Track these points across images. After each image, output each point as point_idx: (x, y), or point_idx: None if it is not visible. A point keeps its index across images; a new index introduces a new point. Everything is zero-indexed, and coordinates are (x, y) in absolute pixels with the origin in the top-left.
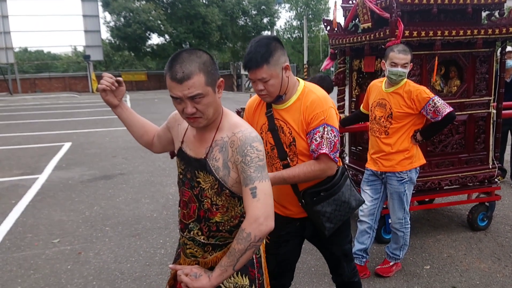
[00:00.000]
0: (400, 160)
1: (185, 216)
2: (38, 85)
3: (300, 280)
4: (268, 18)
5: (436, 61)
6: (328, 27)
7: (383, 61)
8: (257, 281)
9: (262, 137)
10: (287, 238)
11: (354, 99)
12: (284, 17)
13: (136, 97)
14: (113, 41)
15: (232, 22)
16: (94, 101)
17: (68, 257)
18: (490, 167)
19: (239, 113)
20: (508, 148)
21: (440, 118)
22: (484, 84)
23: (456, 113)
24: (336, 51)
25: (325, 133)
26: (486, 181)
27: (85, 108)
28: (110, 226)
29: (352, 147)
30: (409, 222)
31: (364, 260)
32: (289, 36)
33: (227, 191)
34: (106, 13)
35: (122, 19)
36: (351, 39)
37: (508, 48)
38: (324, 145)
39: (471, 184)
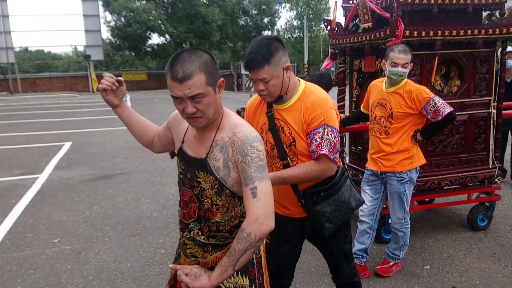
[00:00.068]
0: (400, 160)
1: (185, 216)
2: (38, 85)
3: (300, 280)
4: (269, 18)
5: (436, 61)
6: (329, 27)
7: (383, 61)
8: (257, 281)
9: (262, 136)
10: (287, 238)
11: (354, 99)
12: (285, 17)
13: (137, 96)
14: (113, 41)
15: (232, 22)
16: (95, 100)
17: (68, 256)
18: (490, 167)
19: (239, 112)
20: (508, 148)
21: (440, 118)
22: (485, 84)
23: (456, 113)
24: (337, 51)
25: (325, 133)
26: (486, 181)
27: (86, 107)
28: (110, 225)
29: (352, 147)
30: (409, 222)
31: (364, 260)
32: (289, 36)
33: (228, 191)
34: (107, 13)
35: (122, 19)
36: (351, 39)
37: (509, 48)
38: (324, 146)
39: (471, 184)
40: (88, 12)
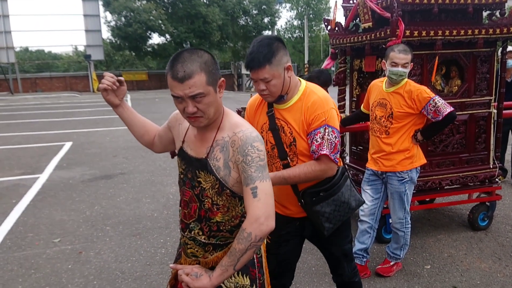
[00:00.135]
0: (400, 160)
1: (186, 216)
2: (39, 85)
3: (301, 280)
4: (269, 17)
5: (437, 60)
6: (329, 27)
7: (383, 61)
8: (258, 281)
9: (262, 136)
10: (287, 238)
11: (355, 99)
12: (285, 16)
13: (137, 96)
14: (114, 41)
15: (233, 22)
16: (95, 100)
17: (68, 256)
18: (491, 166)
19: (240, 112)
20: (509, 147)
21: (440, 118)
22: (485, 84)
23: (456, 113)
24: (337, 50)
25: (326, 134)
26: (487, 180)
27: (86, 107)
28: (111, 225)
29: (353, 147)
30: (410, 222)
31: (365, 260)
32: (290, 35)
33: (228, 191)
34: (107, 13)
35: (123, 19)
36: (351, 38)
37: (509, 48)
38: (325, 146)
39: (471, 184)
40: (89, 12)
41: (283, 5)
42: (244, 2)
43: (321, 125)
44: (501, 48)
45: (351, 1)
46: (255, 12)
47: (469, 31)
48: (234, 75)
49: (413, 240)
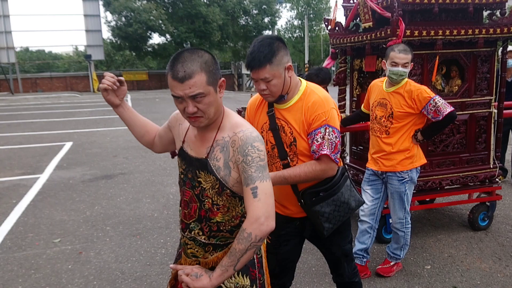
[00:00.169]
0: (401, 159)
1: (186, 216)
2: (39, 85)
3: (301, 280)
4: (269, 17)
5: (437, 60)
6: (329, 27)
7: (383, 60)
8: (258, 281)
9: (262, 136)
10: (287, 238)
11: (355, 99)
12: (285, 16)
13: (137, 96)
14: (114, 41)
15: (233, 22)
16: (95, 100)
17: (69, 256)
18: (491, 166)
19: (240, 112)
20: (509, 147)
21: (441, 118)
22: (485, 84)
23: (457, 113)
24: (337, 50)
25: (327, 134)
26: (487, 180)
27: (86, 107)
28: (111, 225)
29: (353, 147)
30: (410, 222)
31: (365, 260)
32: (290, 35)
33: (228, 191)
34: (107, 13)
35: (123, 19)
36: (352, 38)
37: (509, 48)
38: (326, 146)
39: (472, 183)
40: (89, 12)
41: (283, 5)
42: (245, 2)
43: (321, 125)
44: (501, 48)
45: (351, 1)
46: (255, 12)
47: (470, 31)
48: (234, 75)
49: (413, 240)
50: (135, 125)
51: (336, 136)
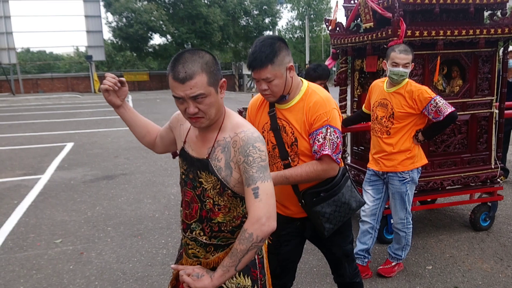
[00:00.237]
0: (402, 160)
1: (187, 216)
2: (40, 86)
3: (302, 280)
4: (270, 18)
5: (438, 61)
6: (330, 27)
7: (384, 61)
8: (259, 282)
9: (264, 136)
10: (288, 238)
11: (356, 99)
12: (286, 17)
13: (138, 97)
14: (115, 42)
15: (234, 22)
16: (96, 101)
17: (70, 257)
18: (493, 167)
19: (241, 113)
20: (510, 148)
21: (441, 118)
22: (487, 84)
23: (458, 113)
24: (338, 51)
25: (328, 134)
26: (489, 181)
27: (87, 108)
28: (112, 226)
29: (354, 147)
30: (411, 222)
31: (366, 260)
32: (291, 36)
33: (229, 191)
34: (108, 14)
35: (124, 20)
36: (353, 38)
37: (510, 48)
38: (327, 146)
39: (473, 184)
40: (90, 13)
41: (284, 5)
42: (245, 2)
43: (323, 125)
44: (502, 48)
45: (352, 1)
46: (256, 12)
47: (471, 31)
48: (235, 75)
49: (414, 241)
50: (136, 126)
51: (337, 136)
